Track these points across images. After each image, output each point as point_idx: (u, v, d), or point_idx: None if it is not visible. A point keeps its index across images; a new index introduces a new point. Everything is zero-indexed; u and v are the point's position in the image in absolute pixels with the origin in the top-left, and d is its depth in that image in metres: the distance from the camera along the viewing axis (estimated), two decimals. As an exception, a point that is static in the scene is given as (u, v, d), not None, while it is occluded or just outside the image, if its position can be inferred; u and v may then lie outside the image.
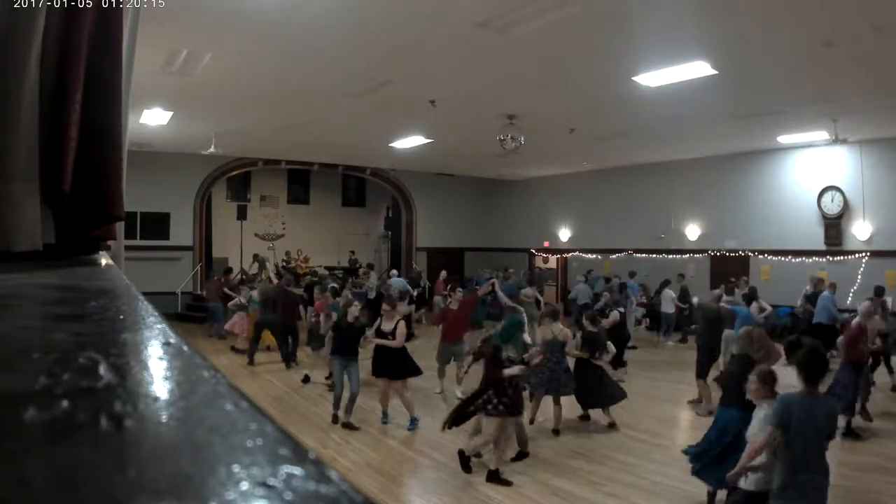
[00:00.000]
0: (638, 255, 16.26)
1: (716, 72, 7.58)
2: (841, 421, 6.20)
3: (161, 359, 0.49)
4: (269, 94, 9.21)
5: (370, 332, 7.50)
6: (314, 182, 21.44)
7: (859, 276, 12.11)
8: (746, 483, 3.98)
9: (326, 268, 18.77)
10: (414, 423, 7.16)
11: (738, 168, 14.22)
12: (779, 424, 3.69)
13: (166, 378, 0.44)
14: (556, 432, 6.94)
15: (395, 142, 13.51)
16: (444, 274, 16.27)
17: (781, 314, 11.83)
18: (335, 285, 11.00)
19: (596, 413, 7.32)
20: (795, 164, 13.37)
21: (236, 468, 0.27)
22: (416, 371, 7.37)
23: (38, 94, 1.31)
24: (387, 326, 7.32)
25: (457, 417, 5.97)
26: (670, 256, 15.70)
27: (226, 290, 13.36)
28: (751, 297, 10.21)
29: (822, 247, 12.88)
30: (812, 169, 13.04)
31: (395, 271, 16.36)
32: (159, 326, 0.61)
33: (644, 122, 10.89)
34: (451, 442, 6.58)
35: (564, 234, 18.90)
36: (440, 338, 9.11)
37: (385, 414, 7.40)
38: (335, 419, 7.33)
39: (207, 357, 0.48)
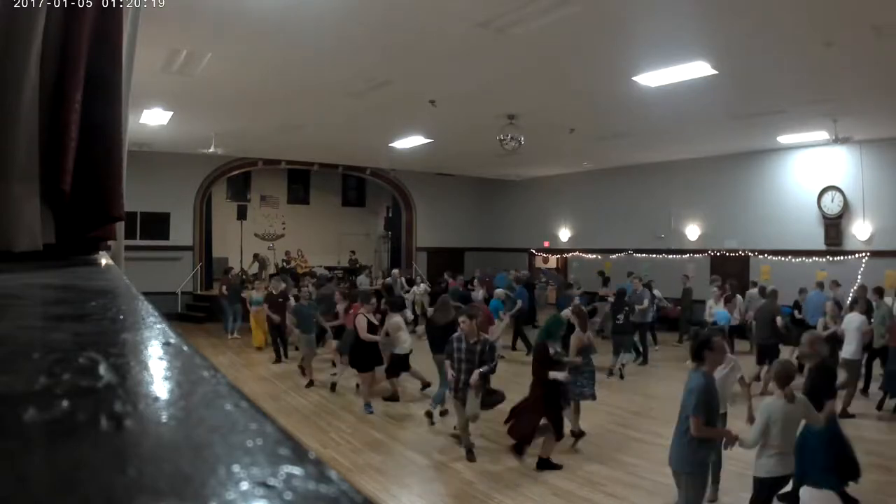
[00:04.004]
0: (638, 255, 16.26)
1: (716, 72, 7.58)
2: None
3: (161, 359, 0.49)
4: (269, 94, 9.20)
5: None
6: (314, 182, 21.44)
7: (859, 276, 12.10)
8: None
9: (326, 268, 18.77)
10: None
11: (738, 168, 14.22)
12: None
13: (166, 378, 0.44)
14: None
15: (395, 142, 13.50)
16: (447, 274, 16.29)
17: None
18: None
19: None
20: (795, 164, 13.37)
21: (236, 468, 0.27)
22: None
23: (38, 94, 1.31)
24: None
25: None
26: (670, 256, 15.70)
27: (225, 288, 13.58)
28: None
29: (822, 247, 12.88)
30: (812, 169, 13.04)
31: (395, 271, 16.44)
32: (159, 326, 0.61)
33: (644, 122, 10.89)
34: (451, 442, 6.59)
35: (564, 234, 18.90)
36: None
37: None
38: (443, 413, 7.61)
39: (207, 357, 0.48)
